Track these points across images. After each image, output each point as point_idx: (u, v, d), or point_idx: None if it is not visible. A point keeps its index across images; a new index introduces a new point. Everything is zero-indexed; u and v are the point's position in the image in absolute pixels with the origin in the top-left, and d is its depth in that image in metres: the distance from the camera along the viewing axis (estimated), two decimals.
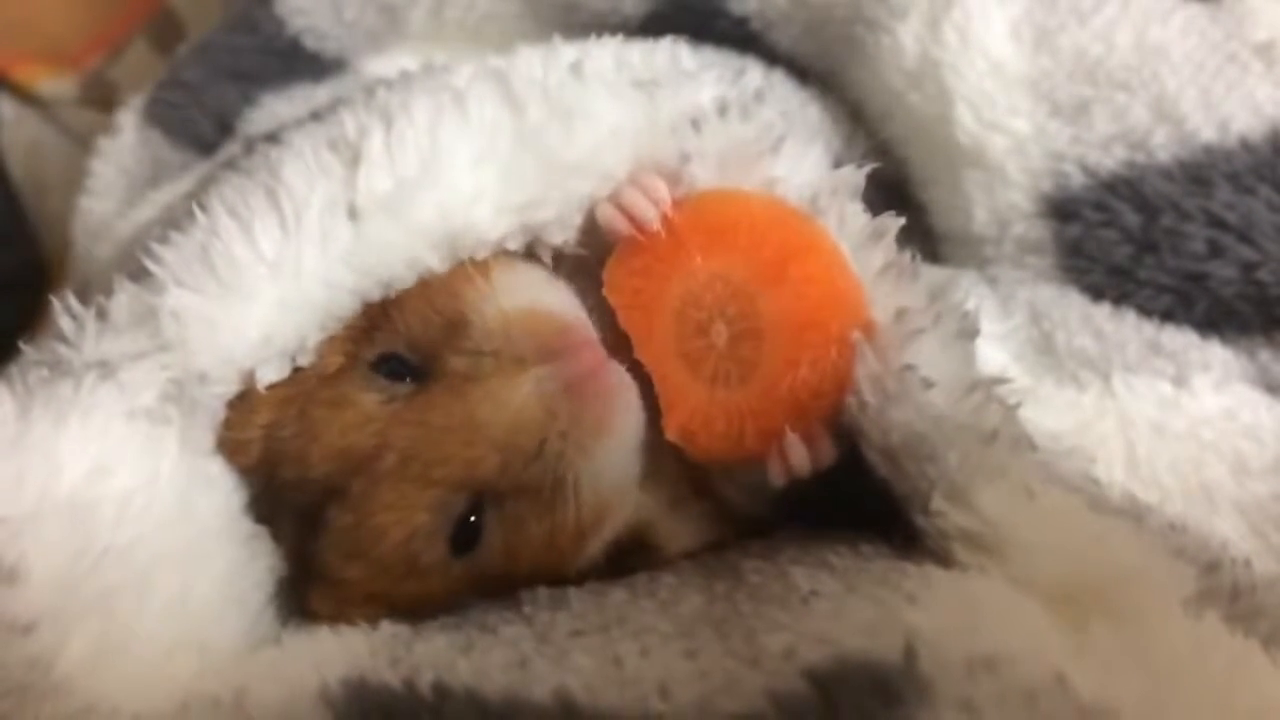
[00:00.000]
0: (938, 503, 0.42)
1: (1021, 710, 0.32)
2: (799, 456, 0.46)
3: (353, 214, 0.48)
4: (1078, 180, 0.66)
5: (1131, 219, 0.64)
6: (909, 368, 0.43)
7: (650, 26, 0.82)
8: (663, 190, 0.48)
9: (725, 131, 0.48)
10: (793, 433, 0.45)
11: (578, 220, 0.50)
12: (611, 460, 0.47)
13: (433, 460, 0.46)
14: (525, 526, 0.47)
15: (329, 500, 0.47)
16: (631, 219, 0.48)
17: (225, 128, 0.85)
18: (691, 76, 0.52)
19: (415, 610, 0.47)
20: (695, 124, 0.48)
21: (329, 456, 0.47)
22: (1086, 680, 0.33)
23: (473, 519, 0.47)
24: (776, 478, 0.46)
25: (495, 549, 0.48)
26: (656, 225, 0.47)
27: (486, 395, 0.45)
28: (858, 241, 0.47)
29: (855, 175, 0.49)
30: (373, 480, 0.46)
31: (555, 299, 0.49)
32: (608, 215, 0.49)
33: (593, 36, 0.80)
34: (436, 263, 0.49)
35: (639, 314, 0.48)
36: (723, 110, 0.49)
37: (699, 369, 0.47)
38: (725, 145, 0.48)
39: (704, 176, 0.48)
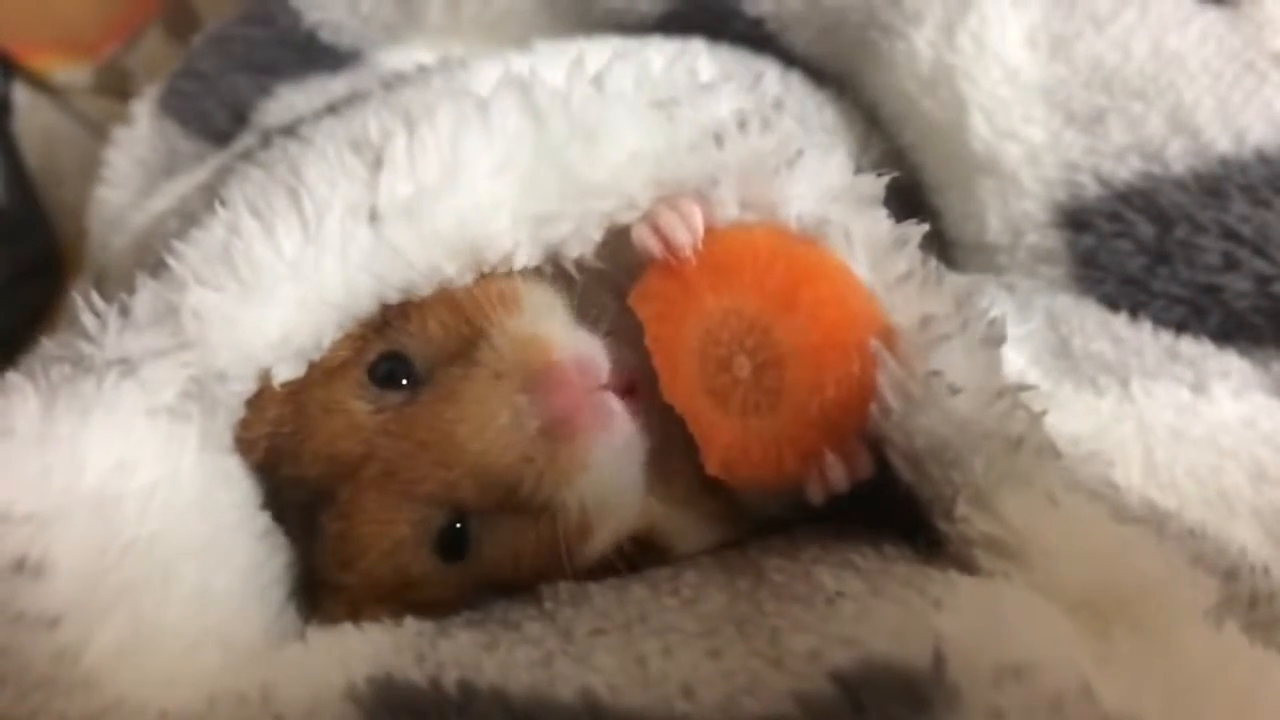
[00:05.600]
0: (962, 508, 0.42)
1: (1049, 719, 0.32)
2: (837, 475, 0.46)
3: (373, 218, 0.48)
4: (1092, 190, 0.66)
5: (1146, 230, 0.64)
6: (935, 373, 0.43)
7: (667, 25, 0.82)
8: (697, 216, 0.48)
9: (747, 145, 0.48)
10: (830, 452, 0.46)
11: (596, 236, 0.50)
12: (598, 485, 0.47)
13: (413, 477, 0.46)
14: (513, 539, 0.47)
15: (322, 504, 0.48)
16: (666, 242, 0.48)
17: (240, 118, 0.85)
18: (710, 89, 0.51)
19: (432, 611, 0.47)
20: (718, 139, 0.49)
21: (319, 458, 0.48)
22: (1111, 689, 0.34)
23: (458, 526, 0.47)
24: (816, 496, 0.47)
25: (487, 557, 0.48)
26: (689, 250, 0.47)
27: (464, 416, 0.46)
28: (879, 249, 0.47)
29: (874, 183, 0.49)
30: (358, 489, 0.47)
31: (564, 331, 0.49)
32: (642, 236, 0.49)
33: (611, 34, 0.81)
34: (454, 271, 0.49)
35: (661, 359, 0.49)
36: (743, 123, 0.49)
37: (728, 403, 0.47)
38: (747, 159, 0.48)
39: (729, 196, 0.48)
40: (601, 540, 0.49)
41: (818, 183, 0.48)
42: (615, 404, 0.48)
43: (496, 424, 0.45)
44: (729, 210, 0.48)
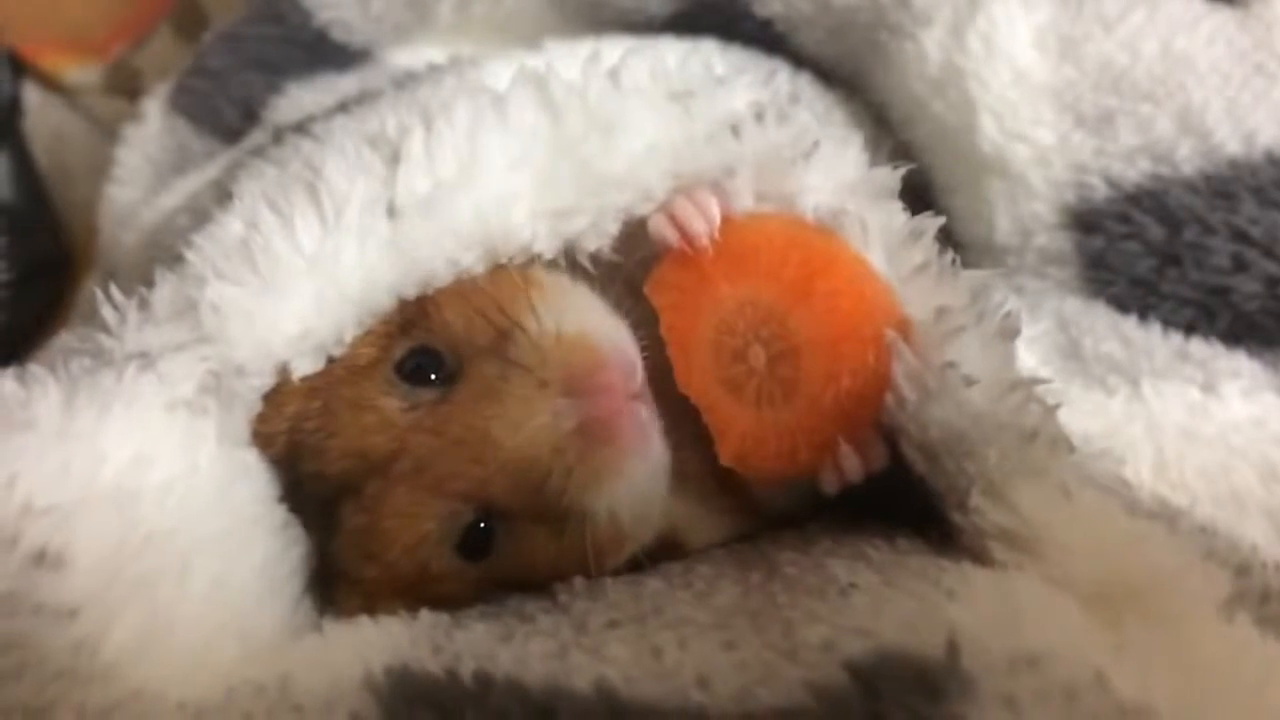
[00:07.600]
0: (976, 500, 0.42)
1: (1062, 707, 0.33)
2: (852, 465, 0.46)
3: (391, 212, 0.48)
4: (1101, 192, 0.66)
5: (1155, 232, 0.65)
6: (950, 365, 0.43)
7: (676, 25, 0.82)
8: (714, 207, 0.48)
9: (763, 137, 0.49)
10: (845, 442, 0.46)
11: (613, 229, 0.50)
12: (626, 497, 0.47)
13: (445, 472, 0.46)
14: (536, 544, 0.47)
15: (344, 498, 0.48)
16: (682, 231, 0.48)
17: (250, 116, 0.85)
18: (725, 83, 0.51)
19: (446, 607, 0.47)
20: (735, 130, 0.49)
21: (347, 454, 0.48)
22: (1123, 679, 0.34)
23: (482, 525, 0.47)
24: (830, 487, 0.47)
25: (508, 558, 0.48)
26: (706, 240, 0.48)
27: (502, 414, 0.45)
28: (896, 241, 0.47)
29: (890, 176, 0.49)
30: (386, 483, 0.47)
31: (607, 330, 0.49)
32: (659, 225, 0.49)
33: (621, 34, 0.81)
34: (473, 263, 0.49)
35: (676, 349, 0.49)
36: (759, 116, 0.49)
37: (742, 393, 0.47)
38: (763, 151, 0.49)
39: (745, 187, 0.48)
40: (628, 552, 0.49)
41: (834, 174, 0.48)
42: (651, 416, 0.48)
43: (534, 422, 0.45)
44: (745, 201, 0.49)
